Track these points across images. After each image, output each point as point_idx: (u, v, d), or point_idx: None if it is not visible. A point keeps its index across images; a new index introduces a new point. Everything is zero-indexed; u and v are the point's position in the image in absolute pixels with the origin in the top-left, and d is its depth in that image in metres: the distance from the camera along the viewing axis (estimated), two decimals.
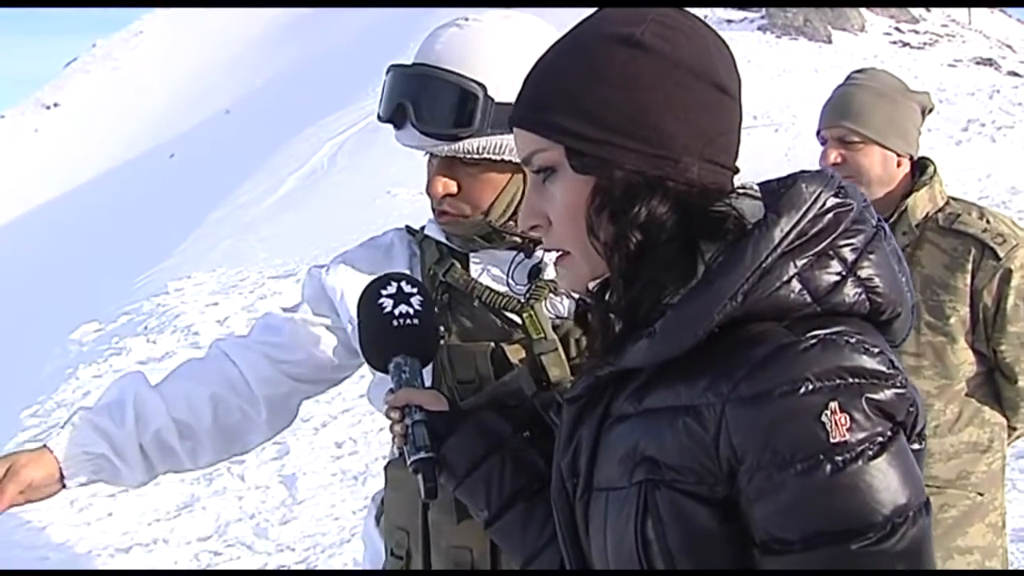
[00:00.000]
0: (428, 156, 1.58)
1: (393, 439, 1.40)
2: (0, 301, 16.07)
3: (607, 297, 1.09)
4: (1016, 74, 22.43)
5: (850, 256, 0.99)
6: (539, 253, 1.55)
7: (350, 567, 4.12)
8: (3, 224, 27.56)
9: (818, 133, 2.37)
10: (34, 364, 8.09)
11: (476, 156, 1.51)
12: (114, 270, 13.61)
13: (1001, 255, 2.20)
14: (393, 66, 1.57)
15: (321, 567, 4.14)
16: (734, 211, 1.02)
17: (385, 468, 1.65)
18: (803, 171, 1.05)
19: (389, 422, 1.39)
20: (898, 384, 0.94)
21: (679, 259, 1.02)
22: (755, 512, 0.93)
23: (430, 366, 1.51)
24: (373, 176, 13.25)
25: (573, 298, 1.52)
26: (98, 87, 40.81)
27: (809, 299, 0.97)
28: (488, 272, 1.59)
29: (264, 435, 1.73)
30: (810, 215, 0.99)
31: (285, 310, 1.73)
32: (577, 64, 1.03)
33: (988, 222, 2.25)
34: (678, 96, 1.01)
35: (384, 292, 1.46)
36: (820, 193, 1.00)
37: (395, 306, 1.44)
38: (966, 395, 2.30)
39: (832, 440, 0.90)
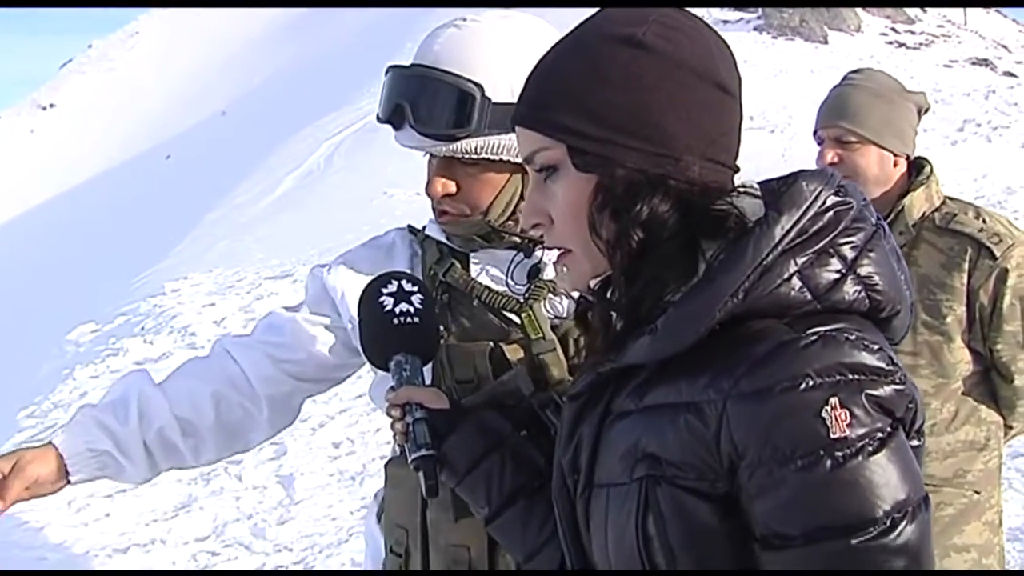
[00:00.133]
0: (427, 156, 1.58)
1: (394, 437, 1.41)
2: None
3: (609, 295, 1.10)
4: (1012, 74, 22.49)
5: (850, 254, 1.00)
6: (538, 253, 1.56)
7: (348, 567, 4.12)
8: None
9: (815, 133, 2.38)
10: (31, 365, 8.08)
11: (474, 156, 1.52)
12: (111, 271, 13.59)
13: (997, 254, 2.21)
14: (392, 67, 1.57)
15: (319, 567, 4.14)
16: (735, 209, 1.03)
17: (385, 466, 1.66)
18: (803, 170, 1.06)
19: (387, 422, 1.39)
20: (897, 381, 0.95)
21: (680, 257, 1.02)
22: (756, 508, 0.94)
23: (430, 365, 1.52)
24: (370, 177, 13.24)
25: (573, 298, 1.53)
26: (94, 88, 40.77)
27: (809, 296, 0.98)
28: (487, 272, 1.60)
29: (266, 433, 1.74)
30: (810, 213, 1.00)
31: (287, 309, 1.73)
32: (579, 64, 1.04)
33: (984, 222, 2.26)
34: (680, 96, 1.02)
35: (385, 291, 1.46)
36: (820, 191, 1.01)
37: (396, 304, 1.45)
38: (962, 394, 2.30)
39: (832, 436, 0.90)
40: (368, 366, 1.58)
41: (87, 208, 25.24)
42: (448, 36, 1.52)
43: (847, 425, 0.91)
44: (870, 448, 0.91)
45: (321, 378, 1.73)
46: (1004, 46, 27.49)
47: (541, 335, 1.53)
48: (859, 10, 26.23)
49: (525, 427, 1.39)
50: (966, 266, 2.23)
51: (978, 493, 2.30)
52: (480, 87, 1.48)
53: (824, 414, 0.91)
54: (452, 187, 1.55)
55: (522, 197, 1.52)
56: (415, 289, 1.48)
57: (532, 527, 1.28)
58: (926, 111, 2.40)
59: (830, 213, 1.01)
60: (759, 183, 1.08)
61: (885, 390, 0.93)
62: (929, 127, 14.49)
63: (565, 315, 1.56)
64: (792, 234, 0.98)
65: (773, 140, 15.24)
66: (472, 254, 1.61)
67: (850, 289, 0.99)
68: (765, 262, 0.97)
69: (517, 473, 1.31)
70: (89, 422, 1.59)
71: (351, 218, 10.49)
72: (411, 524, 1.58)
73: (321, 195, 13.37)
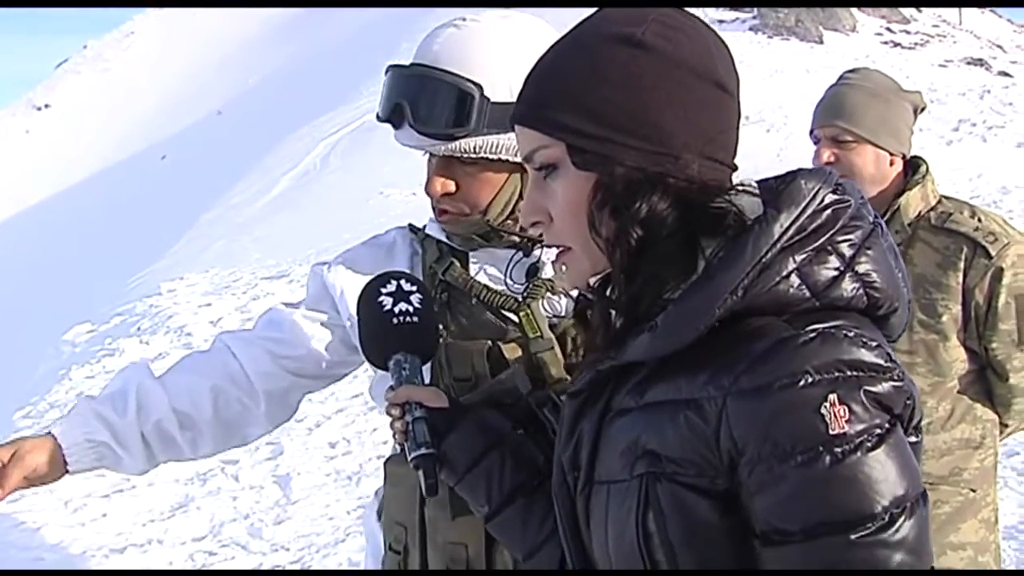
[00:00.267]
0: (427, 156, 1.59)
1: (393, 436, 1.42)
2: None
3: (608, 293, 1.11)
4: (1006, 74, 22.53)
5: (848, 251, 1.01)
6: (537, 252, 1.57)
7: (344, 567, 4.13)
8: None
9: (811, 132, 2.39)
10: (27, 365, 8.07)
11: (473, 155, 1.52)
12: (107, 271, 13.57)
13: (993, 253, 2.21)
14: (391, 66, 1.58)
15: (316, 567, 4.15)
16: (734, 207, 1.03)
17: (385, 464, 1.67)
18: (802, 168, 1.07)
19: (383, 421, 1.40)
20: (895, 377, 0.95)
21: (680, 254, 1.03)
22: (756, 504, 0.94)
23: (429, 364, 1.52)
24: (366, 177, 13.24)
25: (572, 297, 1.54)
26: (89, 88, 40.70)
27: (808, 294, 0.98)
28: (485, 271, 1.61)
29: (264, 427, 1.75)
30: (809, 211, 1.00)
31: (288, 305, 1.75)
32: (578, 63, 1.05)
33: (980, 221, 2.27)
34: (679, 95, 1.02)
35: (384, 290, 1.47)
36: (818, 190, 1.02)
37: (395, 304, 1.46)
38: (958, 392, 2.31)
39: (831, 432, 0.91)
40: (367, 365, 1.58)
41: (83, 208, 25.19)
42: (448, 36, 1.53)
43: (846, 421, 0.91)
44: (869, 444, 0.92)
45: (319, 374, 1.74)
46: (999, 46, 27.53)
47: (539, 334, 1.54)
48: (854, 10, 26.27)
49: (522, 425, 1.39)
50: (962, 265, 2.24)
51: (974, 491, 2.31)
52: (479, 87, 1.48)
53: (823, 410, 0.91)
54: (451, 186, 1.56)
55: (521, 196, 1.52)
56: (414, 289, 1.48)
57: (532, 525, 1.28)
58: (922, 110, 2.41)
59: (828, 211, 1.01)
60: (757, 181, 1.08)
61: (883, 386, 0.94)
62: (924, 127, 14.52)
63: (563, 314, 1.57)
64: (791, 232, 0.99)
65: (769, 139, 15.27)
66: (471, 253, 1.62)
67: (848, 286, 1.00)
68: (764, 259, 0.98)
69: (517, 471, 1.31)
70: (88, 413, 1.61)
71: (347, 218, 10.49)
72: (409, 521, 1.59)
73: (317, 195, 13.36)
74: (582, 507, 1.12)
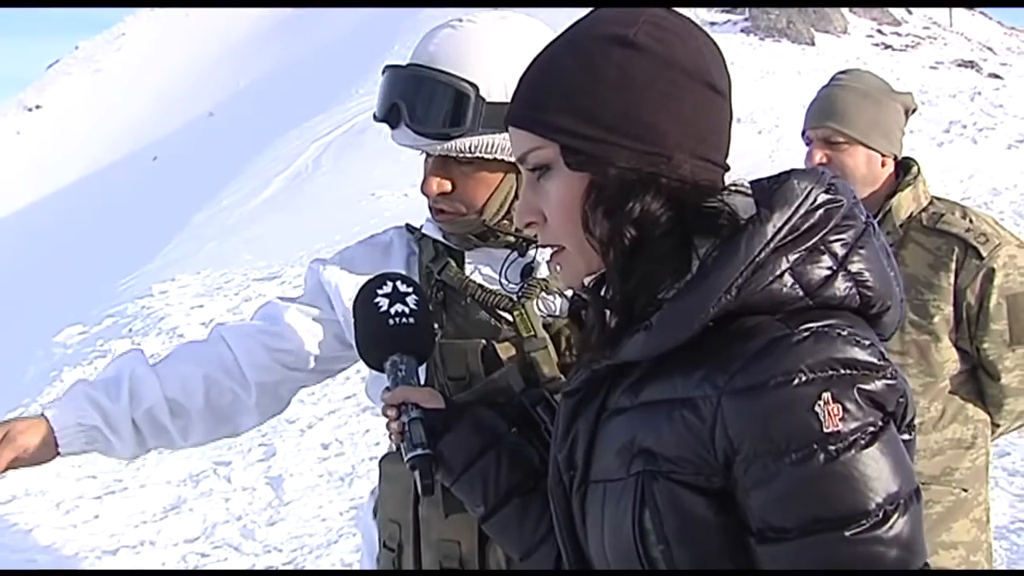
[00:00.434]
0: (423, 155, 1.60)
1: (390, 436, 1.42)
2: None
3: (603, 292, 1.11)
4: (997, 76, 22.58)
5: (840, 251, 1.01)
6: (532, 252, 1.58)
7: (337, 568, 4.13)
8: None
9: (803, 134, 2.40)
10: (18, 367, 8.05)
11: (469, 155, 1.53)
12: (98, 273, 13.54)
13: (984, 254, 2.22)
14: (388, 66, 1.59)
15: (308, 568, 4.15)
16: (727, 207, 1.04)
17: (380, 462, 1.68)
18: (795, 168, 1.08)
19: (376, 423, 1.41)
20: (888, 375, 0.96)
21: (674, 254, 1.04)
22: (751, 501, 0.95)
23: (425, 364, 1.53)
24: (358, 178, 13.21)
25: (566, 296, 1.55)
26: (80, 89, 40.56)
27: (801, 293, 0.99)
28: (479, 270, 1.61)
29: (255, 419, 1.76)
30: (801, 211, 1.01)
31: (285, 300, 1.75)
32: (572, 64, 1.05)
33: (971, 221, 2.28)
34: (671, 95, 1.03)
35: (380, 292, 1.48)
36: (811, 189, 1.03)
37: (391, 305, 1.46)
38: (950, 392, 2.32)
39: (825, 430, 0.92)
40: (361, 366, 1.59)
41: (74, 210, 25.12)
42: (444, 36, 1.54)
43: (840, 419, 0.92)
44: (862, 442, 0.92)
45: (313, 369, 1.74)
46: (989, 48, 27.61)
47: (533, 333, 1.55)
48: (845, 12, 26.31)
49: (516, 424, 1.40)
50: (953, 266, 2.25)
51: (966, 491, 2.32)
52: (475, 87, 1.49)
53: (817, 408, 0.92)
54: (447, 186, 1.57)
55: (517, 196, 1.53)
56: (410, 290, 1.49)
57: (528, 524, 1.29)
58: (913, 111, 2.42)
59: (821, 211, 1.02)
60: (750, 182, 1.09)
61: (876, 385, 0.95)
62: (915, 128, 14.55)
63: (558, 313, 1.57)
64: (784, 231, 1.00)
65: (760, 141, 15.29)
66: (467, 252, 1.62)
67: (841, 285, 1.00)
68: (758, 259, 0.98)
69: (512, 471, 1.32)
70: (81, 397, 1.62)
71: (339, 219, 10.48)
72: (404, 519, 1.60)
73: (309, 196, 13.34)
74: (578, 506, 1.12)
